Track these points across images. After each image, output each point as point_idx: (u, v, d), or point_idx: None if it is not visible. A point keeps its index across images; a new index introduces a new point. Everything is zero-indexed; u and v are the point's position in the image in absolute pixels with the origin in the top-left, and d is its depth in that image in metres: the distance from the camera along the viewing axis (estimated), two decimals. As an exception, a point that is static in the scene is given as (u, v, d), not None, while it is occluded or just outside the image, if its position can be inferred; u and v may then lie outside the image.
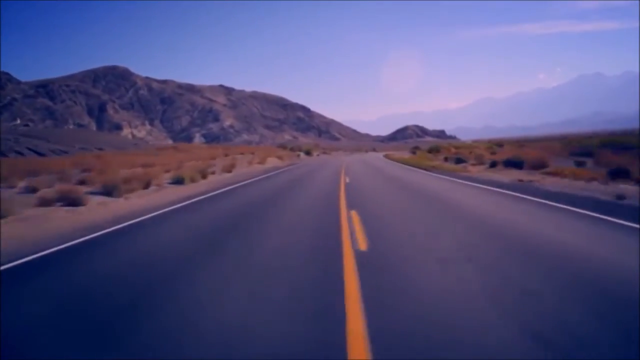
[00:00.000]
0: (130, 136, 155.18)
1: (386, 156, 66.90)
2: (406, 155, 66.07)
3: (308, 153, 76.13)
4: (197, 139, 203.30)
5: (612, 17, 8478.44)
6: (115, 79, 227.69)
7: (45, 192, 14.71)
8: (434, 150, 59.14)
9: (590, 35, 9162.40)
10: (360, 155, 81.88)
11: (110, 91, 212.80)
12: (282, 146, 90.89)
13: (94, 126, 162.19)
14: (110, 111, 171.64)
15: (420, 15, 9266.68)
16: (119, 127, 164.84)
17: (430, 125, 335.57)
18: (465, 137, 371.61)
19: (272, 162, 46.75)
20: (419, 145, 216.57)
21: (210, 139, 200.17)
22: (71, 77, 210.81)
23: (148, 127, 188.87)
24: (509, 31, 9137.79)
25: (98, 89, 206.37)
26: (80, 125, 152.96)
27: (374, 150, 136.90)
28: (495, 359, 3.21)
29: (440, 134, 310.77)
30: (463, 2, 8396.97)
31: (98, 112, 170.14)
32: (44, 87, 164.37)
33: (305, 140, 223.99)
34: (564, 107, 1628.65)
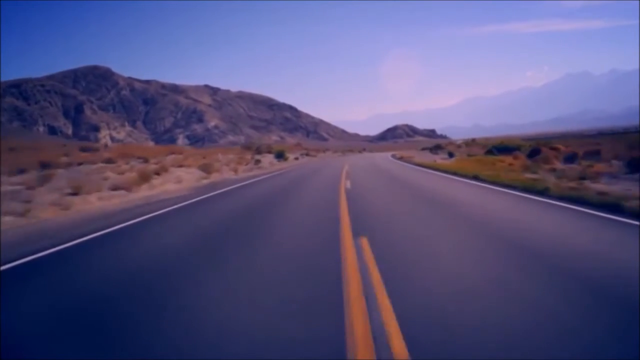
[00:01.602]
0: (108, 138, 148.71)
1: (401, 158, 45.99)
2: (424, 156, 48.50)
3: (280, 156, 50.40)
4: (181, 140, 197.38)
5: (599, 15, 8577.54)
6: (97, 79, 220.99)
7: None
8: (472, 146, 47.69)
9: (578, 34, 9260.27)
10: (358, 158, 59.32)
11: (90, 92, 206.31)
12: (247, 146, 64.17)
13: (69, 128, 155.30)
14: (88, 112, 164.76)
15: (409, 15, 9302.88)
16: (96, 129, 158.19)
17: (419, 125, 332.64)
18: (455, 136, 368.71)
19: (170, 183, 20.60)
20: (411, 144, 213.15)
21: (195, 140, 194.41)
22: (51, 77, 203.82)
23: (128, 128, 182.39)
24: (497, 30, 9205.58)
25: (78, 90, 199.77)
26: (51, 127, 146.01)
27: (364, 150, 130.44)
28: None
29: (431, 134, 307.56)
30: (451, 1, 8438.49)
31: (75, 113, 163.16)
32: (17, 87, 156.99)
33: (293, 140, 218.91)
34: (552, 105, 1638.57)
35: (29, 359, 3.34)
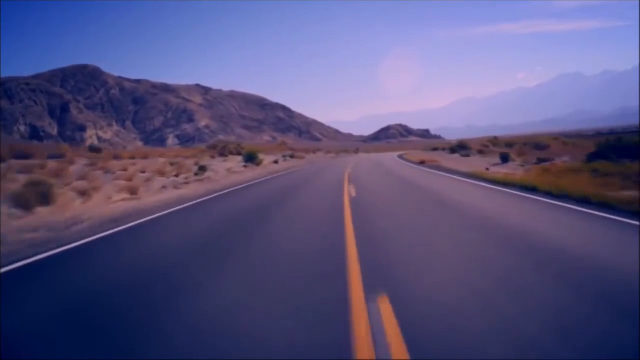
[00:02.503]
0: (95, 138, 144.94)
1: (422, 163, 32.11)
2: (449, 160, 34.12)
3: (251, 159, 36.46)
4: (171, 140, 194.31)
5: (592, 16, 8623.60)
6: (86, 78, 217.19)
7: None
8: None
9: (570, 35, 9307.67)
10: (359, 161, 45.57)
11: (79, 91, 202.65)
12: (213, 146, 51.18)
13: (55, 128, 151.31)
14: (74, 112, 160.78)
15: (402, 16, 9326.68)
16: (82, 129, 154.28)
17: (413, 125, 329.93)
18: (448, 136, 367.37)
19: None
20: (405, 144, 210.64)
21: (185, 140, 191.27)
22: (38, 76, 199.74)
23: (116, 128, 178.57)
24: (489, 31, 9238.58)
25: (66, 89, 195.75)
26: (33, 127, 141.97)
27: (358, 150, 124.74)
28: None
29: (425, 134, 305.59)
30: (443, 2, 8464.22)
31: (60, 113, 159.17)
32: (1, 86, 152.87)
33: (285, 141, 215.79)
34: (545, 106, 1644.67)
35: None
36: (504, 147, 41.60)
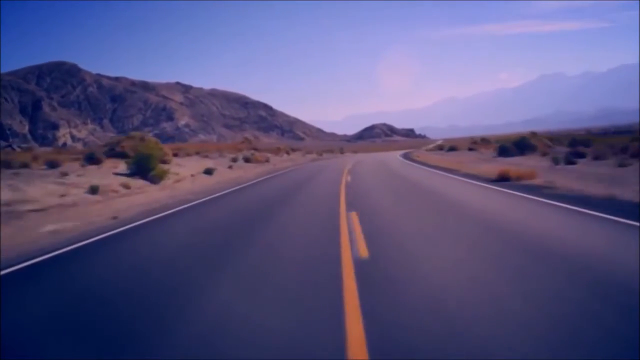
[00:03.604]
0: (68, 137, 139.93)
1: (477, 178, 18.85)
2: (480, 162, 29.00)
3: (145, 169, 21.16)
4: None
5: (573, 17, 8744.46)
6: (62, 75, 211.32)
7: None
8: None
9: (552, 36, 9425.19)
10: (346, 164, 37.74)
11: (55, 88, 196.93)
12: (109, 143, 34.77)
13: (25, 126, 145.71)
14: (47, 109, 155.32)
15: (383, 16, 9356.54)
16: (55, 127, 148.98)
17: (397, 125, 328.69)
18: (432, 136, 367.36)
19: None
20: (389, 143, 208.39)
21: (164, 139, 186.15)
22: (13, 73, 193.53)
23: (91, 126, 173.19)
24: (471, 31, 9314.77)
25: (41, 87, 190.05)
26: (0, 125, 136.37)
27: (342, 151, 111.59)
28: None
29: (410, 133, 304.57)
30: (425, 2, 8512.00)
31: (32, 111, 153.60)
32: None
33: (267, 140, 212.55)
34: (526, 106, 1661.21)
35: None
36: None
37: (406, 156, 50.58)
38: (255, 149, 47.92)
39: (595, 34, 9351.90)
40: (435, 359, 3.23)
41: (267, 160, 41.27)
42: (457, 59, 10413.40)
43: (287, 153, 58.54)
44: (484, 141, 54.16)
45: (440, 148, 59.27)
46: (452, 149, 52.00)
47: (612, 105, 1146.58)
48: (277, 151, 55.76)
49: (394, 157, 53.55)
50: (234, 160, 36.74)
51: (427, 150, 77.15)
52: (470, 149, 52.09)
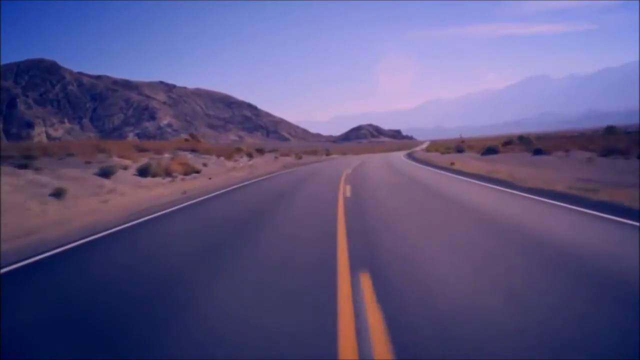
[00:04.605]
0: (43, 135, 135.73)
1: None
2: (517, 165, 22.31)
3: None
4: (131, 138, 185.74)
5: (559, 20, 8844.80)
6: (42, 73, 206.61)
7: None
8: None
9: (537, 38, 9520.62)
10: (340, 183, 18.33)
11: (33, 86, 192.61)
12: None
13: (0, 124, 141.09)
14: (21, 107, 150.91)
15: (371, 17, 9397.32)
16: (30, 125, 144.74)
17: (384, 126, 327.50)
18: (419, 137, 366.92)
19: None
20: (375, 145, 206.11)
21: (146, 138, 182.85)
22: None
23: (68, 125, 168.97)
24: (457, 33, 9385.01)
25: (19, 84, 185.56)
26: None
27: (329, 152, 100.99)
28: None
29: (396, 134, 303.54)
30: (410, 3, 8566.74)
31: (7, 108, 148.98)
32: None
33: (252, 140, 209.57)
34: (512, 108, 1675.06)
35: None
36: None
37: (425, 161, 36.63)
38: (195, 150, 32.41)
39: (580, 37, 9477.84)
40: None
41: (197, 172, 24.61)
42: (444, 60, 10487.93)
43: (250, 156, 41.81)
44: (522, 139, 40.50)
45: (459, 150, 47.07)
46: (492, 150, 36.72)
47: (597, 108, 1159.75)
48: (232, 154, 37.87)
49: (407, 163, 35.79)
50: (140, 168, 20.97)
51: (427, 150, 69.31)
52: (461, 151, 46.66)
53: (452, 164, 27.36)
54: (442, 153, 50.56)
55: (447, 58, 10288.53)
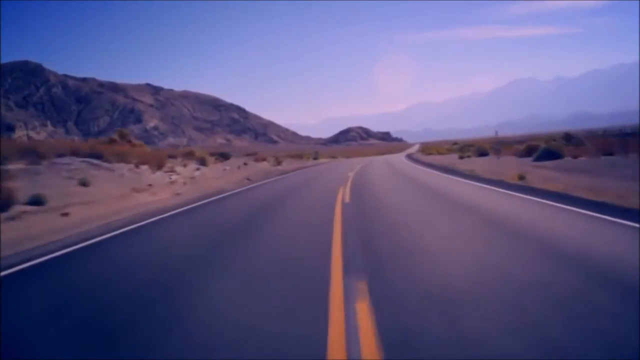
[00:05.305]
0: (25, 139, 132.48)
1: None
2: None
3: None
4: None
5: (545, 23, 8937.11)
6: (25, 75, 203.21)
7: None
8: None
9: (524, 41, 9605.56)
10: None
11: (17, 89, 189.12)
12: None
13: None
14: (2, 110, 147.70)
15: (359, 20, 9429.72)
16: (10, 129, 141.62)
17: (373, 128, 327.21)
18: (407, 140, 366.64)
19: None
20: (365, 147, 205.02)
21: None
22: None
23: (51, 128, 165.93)
24: (445, 35, 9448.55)
25: (3, 86, 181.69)
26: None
27: (316, 156, 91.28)
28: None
29: (386, 136, 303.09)
30: (398, 5, 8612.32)
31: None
32: None
33: (240, 143, 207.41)
34: (499, 110, 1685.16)
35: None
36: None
37: (441, 167, 28.30)
38: (98, 155, 22.05)
39: (567, 39, 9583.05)
40: None
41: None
42: (432, 63, 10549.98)
43: (202, 163, 32.09)
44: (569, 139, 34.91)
45: (460, 156, 37.00)
46: (550, 154, 25.25)
47: (583, 110, 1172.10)
48: (163, 161, 26.60)
49: (447, 179, 20.53)
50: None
51: (427, 153, 65.53)
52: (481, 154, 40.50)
53: (521, 178, 15.74)
54: (461, 157, 40.21)
55: (436, 61, 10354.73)
